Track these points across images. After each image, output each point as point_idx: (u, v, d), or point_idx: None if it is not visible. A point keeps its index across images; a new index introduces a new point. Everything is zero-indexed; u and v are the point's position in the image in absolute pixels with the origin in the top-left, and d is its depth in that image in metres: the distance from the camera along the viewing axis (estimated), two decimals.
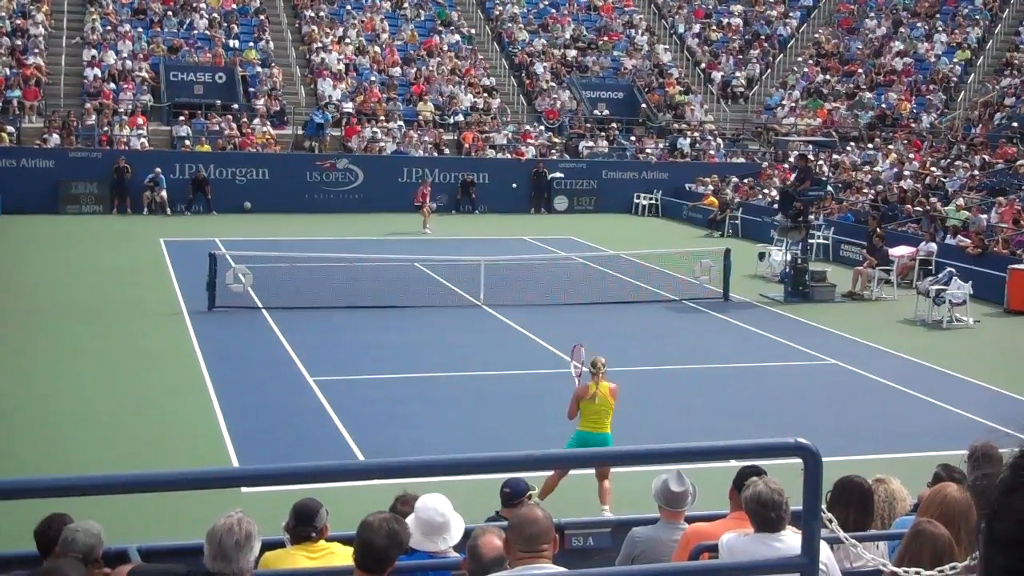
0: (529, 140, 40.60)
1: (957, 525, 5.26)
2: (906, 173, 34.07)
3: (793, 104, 44.04)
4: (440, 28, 45.44)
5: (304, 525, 6.19)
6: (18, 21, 40.23)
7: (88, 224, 32.47)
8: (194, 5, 43.24)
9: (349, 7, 45.32)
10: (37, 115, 37.44)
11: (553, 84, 43.74)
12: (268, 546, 6.06)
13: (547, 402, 15.87)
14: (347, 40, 43.26)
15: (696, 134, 42.57)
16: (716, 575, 5.00)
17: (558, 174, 39.00)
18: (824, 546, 5.40)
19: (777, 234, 26.04)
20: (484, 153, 39.53)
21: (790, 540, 5.30)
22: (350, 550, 5.06)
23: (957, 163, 34.11)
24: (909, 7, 47.70)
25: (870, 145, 38.90)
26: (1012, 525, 1.61)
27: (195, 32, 42.19)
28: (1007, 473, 1.66)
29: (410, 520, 5.61)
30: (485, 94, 42.60)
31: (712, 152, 41.85)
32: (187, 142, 37.16)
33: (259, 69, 40.96)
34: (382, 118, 39.79)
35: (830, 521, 4.92)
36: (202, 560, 4.78)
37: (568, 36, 46.77)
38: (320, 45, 42.34)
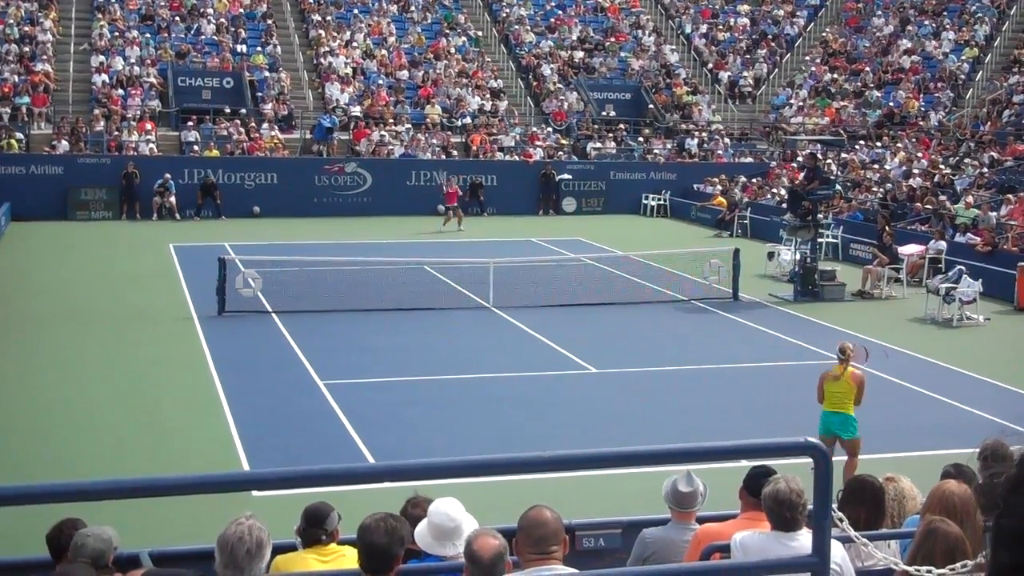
0: (537, 142, 40.61)
1: (959, 520, 5.25)
2: (915, 171, 34.01)
3: (801, 103, 43.99)
4: (447, 31, 45.49)
5: (314, 527, 6.18)
6: (26, 28, 40.36)
7: (97, 230, 32.57)
8: (201, 10, 43.35)
9: (356, 11, 45.39)
10: (46, 122, 37.55)
11: (560, 86, 43.75)
12: (280, 550, 6.07)
13: (557, 403, 15.89)
14: (354, 44, 43.31)
15: (704, 134, 42.53)
16: (727, 575, 4.99)
17: (566, 176, 39.01)
18: (839, 546, 5.39)
19: (786, 233, 25.99)
20: (492, 155, 39.53)
21: (805, 540, 5.27)
22: None
23: (966, 161, 34.04)
24: (916, 5, 47.60)
25: (878, 143, 38.83)
26: (1017, 521, 1.62)
27: (203, 37, 42.28)
28: (1014, 471, 1.67)
29: (423, 524, 5.61)
30: (492, 96, 42.62)
31: (720, 152, 41.80)
32: (195, 147, 37.24)
33: (267, 74, 41.03)
34: (390, 121, 39.84)
35: (840, 520, 4.91)
36: (213, 566, 4.79)
37: (575, 38, 46.78)
38: (327, 49, 42.40)
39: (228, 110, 38.88)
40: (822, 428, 12.08)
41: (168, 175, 34.99)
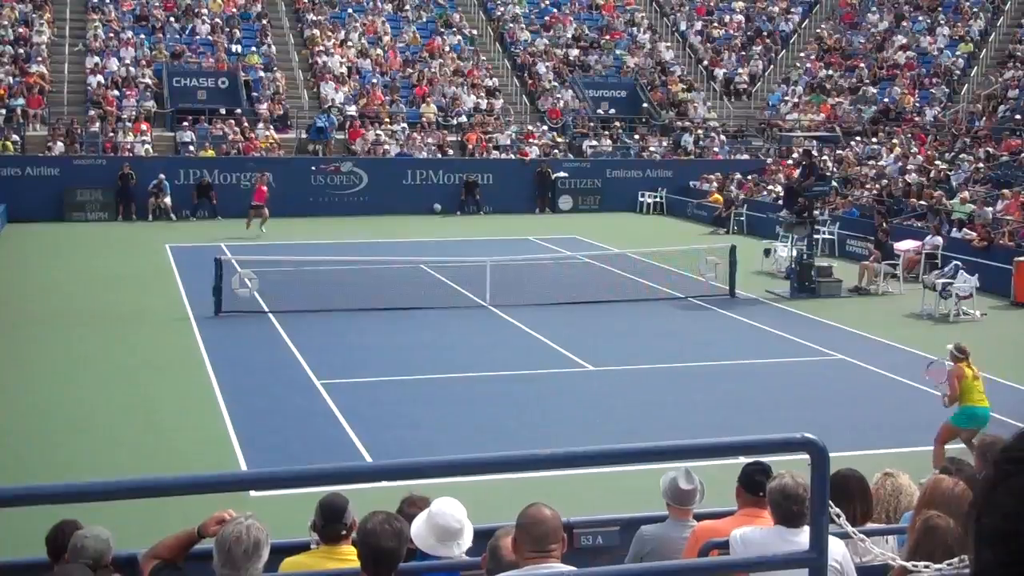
0: (533, 140, 40.58)
1: (951, 516, 5.25)
2: (910, 167, 34.01)
3: (796, 100, 44.00)
4: (442, 29, 45.46)
5: (333, 523, 5.85)
6: (21, 30, 40.30)
7: (93, 231, 32.54)
8: (196, 11, 43.31)
9: (351, 10, 45.34)
10: (41, 123, 37.50)
11: (556, 84, 43.73)
12: (280, 549, 5.99)
13: (554, 401, 15.89)
14: (349, 43, 43.27)
15: (699, 131, 42.53)
16: (726, 572, 4.99)
17: (562, 173, 38.98)
18: (840, 544, 5.38)
19: (782, 230, 26.00)
20: (488, 154, 39.52)
21: (808, 537, 5.27)
22: None
23: (961, 156, 34.04)
24: (911, 0, 47.62)
25: (874, 139, 38.84)
26: (997, 520, 1.64)
27: (197, 37, 42.24)
28: (990, 471, 1.70)
29: (424, 526, 5.57)
30: (488, 95, 42.59)
31: (716, 149, 41.81)
32: (191, 148, 37.21)
33: (262, 73, 40.99)
34: (385, 120, 39.81)
35: (838, 516, 4.91)
36: (211, 565, 4.78)
37: (570, 35, 46.77)
38: (322, 48, 42.36)
39: (223, 110, 38.83)
40: (974, 422, 12.40)
41: (162, 175, 34.93)
